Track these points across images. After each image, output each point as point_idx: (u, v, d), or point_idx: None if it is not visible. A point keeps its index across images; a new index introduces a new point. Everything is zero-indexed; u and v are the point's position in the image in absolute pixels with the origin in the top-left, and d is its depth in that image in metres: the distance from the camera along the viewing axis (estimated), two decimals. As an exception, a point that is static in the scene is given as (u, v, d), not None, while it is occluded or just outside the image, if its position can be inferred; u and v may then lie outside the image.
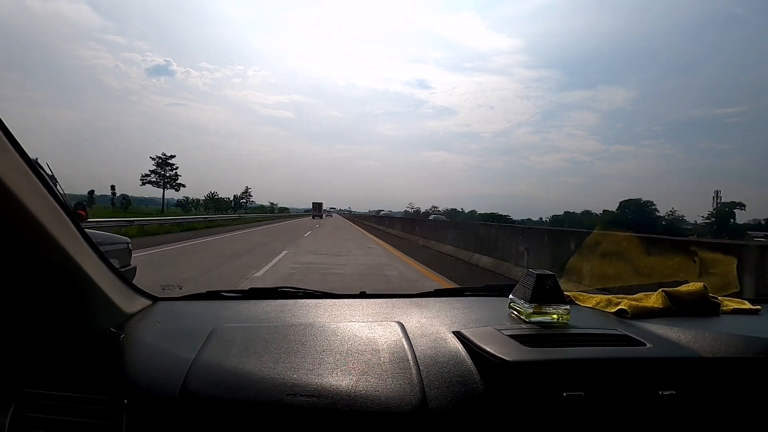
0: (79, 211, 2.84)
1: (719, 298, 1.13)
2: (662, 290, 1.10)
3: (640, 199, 74.31)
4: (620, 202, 76.44)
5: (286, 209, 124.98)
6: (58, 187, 1.06)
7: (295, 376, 0.73)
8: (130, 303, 0.96)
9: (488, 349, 0.79)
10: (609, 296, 1.16)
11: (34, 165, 0.66)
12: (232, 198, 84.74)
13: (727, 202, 65.71)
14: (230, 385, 0.71)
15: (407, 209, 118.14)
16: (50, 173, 1.07)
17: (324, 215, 71.29)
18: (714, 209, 65.59)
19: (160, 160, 64.23)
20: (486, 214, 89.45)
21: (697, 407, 0.78)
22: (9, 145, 0.61)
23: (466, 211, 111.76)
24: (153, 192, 65.65)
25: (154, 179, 64.20)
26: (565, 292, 1.02)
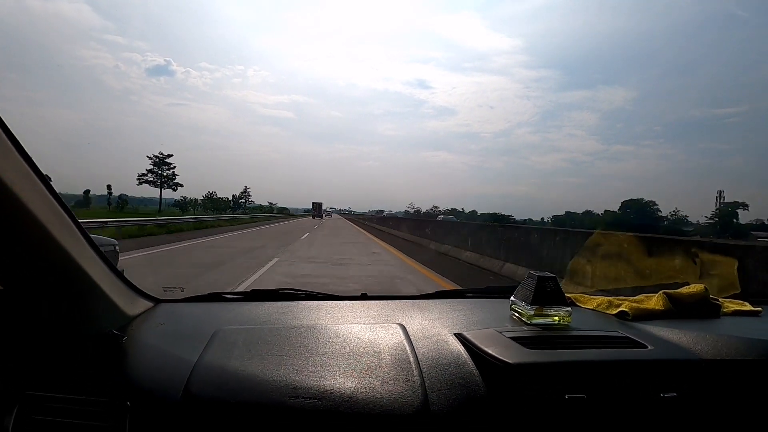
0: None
1: (720, 299, 1.13)
2: (663, 292, 1.10)
3: (642, 199, 74.04)
4: (622, 202, 76.22)
5: (285, 209, 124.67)
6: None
7: (297, 378, 0.73)
8: (132, 305, 0.97)
9: (490, 351, 0.79)
10: (610, 298, 1.16)
11: (36, 166, 0.66)
12: (230, 198, 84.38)
13: (730, 202, 65.39)
14: (233, 387, 0.72)
15: (407, 209, 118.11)
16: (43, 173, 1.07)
17: (324, 215, 71.29)
18: (717, 209, 65.29)
19: (157, 160, 62.85)
20: (488, 215, 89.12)
21: (699, 409, 0.78)
22: (11, 145, 0.61)
23: (467, 211, 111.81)
24: (152, 192, 64.95)
25: (151, 179, 62.77)
26: (566, 294, 1.02)
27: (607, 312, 1.10)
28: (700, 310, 1.07)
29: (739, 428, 0.80)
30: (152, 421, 0.70)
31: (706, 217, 66.87)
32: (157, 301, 1.08)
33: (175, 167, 63.61)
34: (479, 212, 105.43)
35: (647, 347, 0.84)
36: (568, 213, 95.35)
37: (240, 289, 6.14)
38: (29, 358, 0.77)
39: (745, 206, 64.58)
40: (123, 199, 65.93)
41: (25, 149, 0.64)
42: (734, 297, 1.22)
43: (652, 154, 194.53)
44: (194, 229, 20.66)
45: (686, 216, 72.38)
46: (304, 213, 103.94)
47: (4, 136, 0.60)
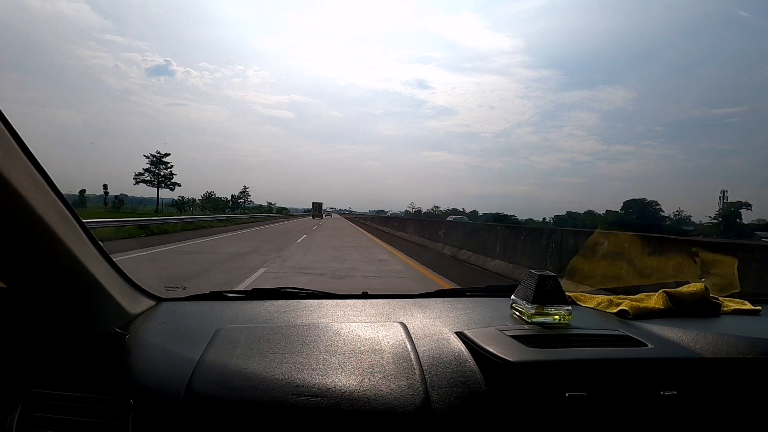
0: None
1: (720, 298, 1.13)
2: (663, 291, 1.10)
3: (644, 199, 73.93)
4: (624, 202, 76.14)
5: (285, 209, 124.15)
6: None
7: (299, 376, 0.74)
8: (134, 303, 0.97)
9: (491, 350, 0.79)
10: (610, 297, 1.16)
11: (40, 165, 0.66)
12: (229, 198, 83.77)
13: (733, 202, 65.24)
14: (235, 386, 0.72)
15: (408, 209, 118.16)
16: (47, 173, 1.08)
17: (324, 215, 71.20)
18: (720, 209, 65.12)
19: (154, 159, 61.17)
20: (491, 215, 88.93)
21: (698, 408, 0.78)
22: (15, 145, 0.61)
23: (468, 211, 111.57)
24: (150, 192, 63.42)
25: (148, 178, 60.97)
26: (566, 293, 1.02)
27: (608, 311, 1.10)
28: (700, 308, 1.07)
29: (739, 427, 0.80)
30: (155, 419, 0.71)
31: (709, 217, 66.82)
32: (159, 300, 1.08)
33: (172, 166, 62.48)
34: (480, 212, 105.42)
35: (647, 346, 0.84)
36: (569, 213, 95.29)
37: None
38: (32, 356, 0.78)
39: (748, 206, 64.49)
40: (119, 199, 65.26)
41: (30, 149, 0.64)
42: (734, 296, 1.23)
43: (653, 154, 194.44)
44: (182, 230, 18.90)
45: (689, 216, 72.34)
46: (304, 213, 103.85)
47: (8, 135, 0.60)
